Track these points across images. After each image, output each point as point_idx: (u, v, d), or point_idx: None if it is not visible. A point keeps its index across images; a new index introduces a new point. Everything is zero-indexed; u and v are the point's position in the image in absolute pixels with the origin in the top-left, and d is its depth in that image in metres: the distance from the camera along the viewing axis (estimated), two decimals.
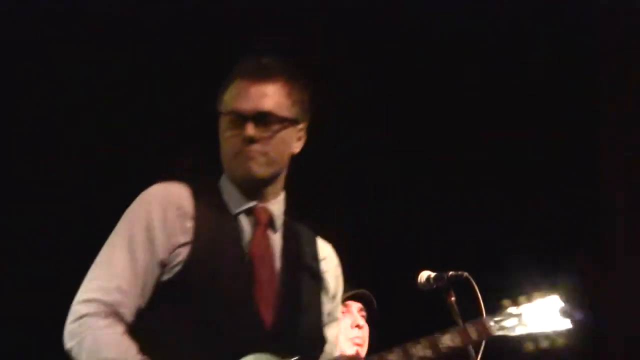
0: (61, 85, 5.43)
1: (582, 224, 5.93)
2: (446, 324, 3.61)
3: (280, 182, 3.11)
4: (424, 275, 3.75)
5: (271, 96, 3.01)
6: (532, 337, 3.24)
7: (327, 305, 3.15)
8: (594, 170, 5.98)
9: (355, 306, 4.46)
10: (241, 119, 2.99)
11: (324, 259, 3.18)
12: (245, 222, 3.05)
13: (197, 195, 3.04)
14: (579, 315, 3.27)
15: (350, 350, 4.40)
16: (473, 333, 3.19)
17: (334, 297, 3.18)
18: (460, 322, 3.62)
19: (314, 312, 3.08)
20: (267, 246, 3.05)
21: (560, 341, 3.25)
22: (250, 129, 2.97)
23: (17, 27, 5.41)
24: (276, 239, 3.08)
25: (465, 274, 3.68)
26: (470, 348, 3.39)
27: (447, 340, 3.13)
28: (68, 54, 5.40)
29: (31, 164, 5.46)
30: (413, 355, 3.07)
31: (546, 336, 3.24)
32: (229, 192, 3.06)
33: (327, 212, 5.34)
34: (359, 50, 5.77)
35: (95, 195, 5.33)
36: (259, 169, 3.00)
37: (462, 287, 3.69)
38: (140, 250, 2.95)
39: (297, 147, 3.10)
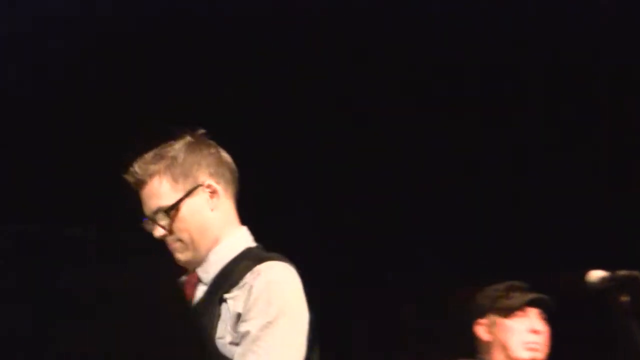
0: None
1: None
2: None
3: (206, 244, 3.31)
4: (595, 274, 3.64)
5: (152, 195, 3.30)
6: None
7: (239, 327, 3.18)
8: None
9: (533, 311, 4.35)
10: (148, 224, 3.32)
11: (243, 285, 3.22)
12: None
13: None
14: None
15: (523, 355, 4.28)
16: None
17: (247, 313, 3.18)
18: (632, 323, 3.58)
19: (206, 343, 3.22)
20: (188, 302, 3.31)
21: None
22: (155, 232, 3.31)
23: None
24: (201, 290, 3.32)
25: (637, 273, 3.56)
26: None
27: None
28: None
29: None
30: None
31: None
32: None
33: None
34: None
35: None
36: (181, 257, 3.33)
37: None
38: None
39: (209, 206, 3.32)
